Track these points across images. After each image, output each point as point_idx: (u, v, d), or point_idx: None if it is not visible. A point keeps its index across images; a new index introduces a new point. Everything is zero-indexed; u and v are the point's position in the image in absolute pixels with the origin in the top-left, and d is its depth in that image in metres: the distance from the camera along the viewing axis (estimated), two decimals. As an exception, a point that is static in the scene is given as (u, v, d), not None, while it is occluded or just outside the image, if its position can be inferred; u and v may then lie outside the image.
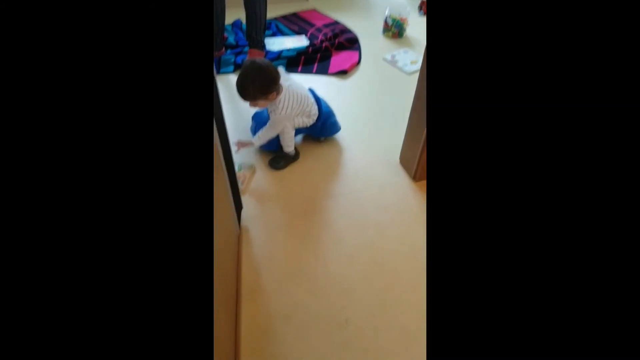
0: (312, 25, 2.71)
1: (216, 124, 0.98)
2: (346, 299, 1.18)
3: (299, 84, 1.59)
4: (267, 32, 2.52)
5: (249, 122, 1.78)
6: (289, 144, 1.58)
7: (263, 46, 2.26)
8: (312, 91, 1.66)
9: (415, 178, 1.56)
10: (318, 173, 1.61)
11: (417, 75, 2.19)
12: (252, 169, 1.61)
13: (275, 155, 1.64)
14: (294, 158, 1.65)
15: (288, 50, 2.36)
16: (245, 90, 1.39)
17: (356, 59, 2.33)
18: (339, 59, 2.33)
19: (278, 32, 2.63)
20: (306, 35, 2.59)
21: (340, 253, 1.31)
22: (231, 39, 2.43)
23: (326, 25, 2.68)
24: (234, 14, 2.70)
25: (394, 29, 2.57)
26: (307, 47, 2.39)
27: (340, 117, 1.74)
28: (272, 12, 2.81)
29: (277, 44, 2.47)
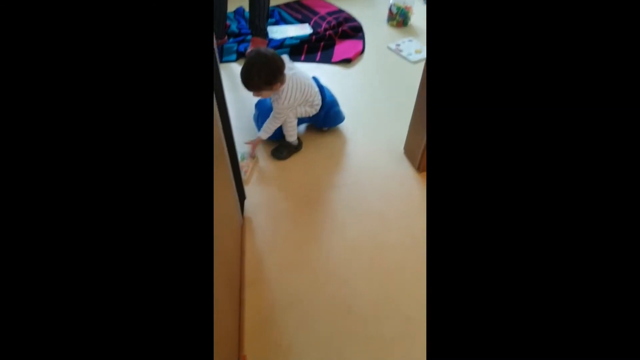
0: (315, 13, 2.67)
1: (219, 113, 0.97)
2: (349, 288, 1.18)
3: (303, 72, 1.57)
4: (270, 20, 2.48)
5: (252, 111, 1.77)
6: (292, 133, 1.57)
7: (266, 34, 2.23)
8: (316, 80, 1.64)
9: (419, 169, 1.55)
10: (321, 163, 1.61)
11: (421, 65, 2.17)
12: (255, 159, 1.61)
13: (278, 145, 1.63)
14: (296, 148, 1.64)
15: (291, 38, 2.33)
16: (251, 81, 1.38)
17: (360, 47, 2.30)
18: (342, 48, 2.30)
19: (281, 20, 2.59)
20: (309, 23, 2.55)
21: (343, 243, 1.31)
22: (233, 27, 2.40)
23: (330, 14, 2.64)
24: (237, 1, 2.67)
25: (399, 18, 2.53)
26: (311, 35, 2.36)
27: (343, 106, 1.72)
28: (275, 0, 2.78)
29: (280, 32, 2.44)
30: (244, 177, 1.51)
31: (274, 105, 1.49)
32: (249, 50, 2.19)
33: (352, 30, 2.43)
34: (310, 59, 2.22)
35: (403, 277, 1.22)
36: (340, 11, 2.68)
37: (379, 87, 2.03)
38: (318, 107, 1.60)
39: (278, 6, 2.75)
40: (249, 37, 2.25)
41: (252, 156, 1.60)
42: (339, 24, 2.47)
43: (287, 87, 1.45)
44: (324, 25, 2.49)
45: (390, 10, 2.54)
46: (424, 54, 2.23)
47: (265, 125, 1.53)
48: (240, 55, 2.20)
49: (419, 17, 2.61)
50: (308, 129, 1.76)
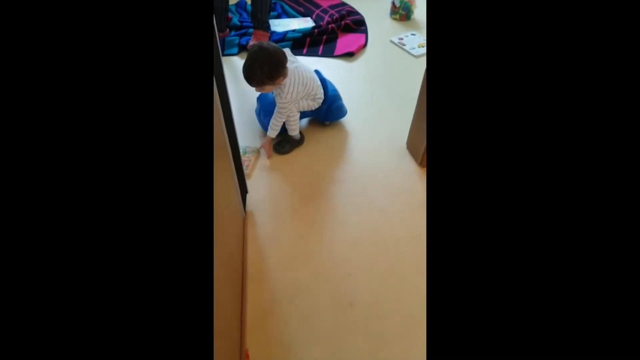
0: (318, 6, 2.64)
1: (221, 106, 0.97)
2: (351, 282, 1.19)
3: (305, 65, 1.56)
4: (272, 13, 2.46)
5: (253, 104, 1.76)
6: (294, 127, 1.57)
7: (268, 27, 2.22)
8: (318, 73, 1.63)
9: (421, 164, 1.55)
10: (323, 157, 1.60)
11: (424, 59, 2.15)
12: (256, 153, 1.60)
13: (281, 139, 1.62)
14: (299, 142, 1.63)
15: (293, 31, 2.31)
16: (254, 76, 1.37)
17: (363, 41, 2.28)
18: (345, 41, 2.28)
19: (283, 14, 2.57)
20: (312, 16, 2.53)
21: (345, 237, 1.31)
22: (235, 20, 2.38)
23: (332, 7, 2.62)
24: (238, -7, 2.64)
25: (402, 11, 2.51)
26: (313, 28, 2.34)
27: (346, 100, 1.71)
28: (277, -8, 2.75)
29: (282, 25, 2.42)
30: (246, 171, 1.51)
31: (277, 100, 1.48)
32: (250, 43, 2.17)
33: (355, 24, 2.41)
34: (312, 52, 2.21)
35: (405, 272, 1.22)
36: (343, 4, 2.66)
37: (382, 81, 2.02)
38: (320, 101, 1.60)
39: (280, -1, 2.73)
40: (251, 30, 2.24)
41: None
42: (342, 17, 2.45)
43: (290, 81, 1.44)
44: (327, 18, 2.47)
45: (393, 3, 2.51)
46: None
47: (271, 122, 1.53)
48: (242, 48, 2.19)
49: (422, 10, 2.59)
50: (310, 123, 1.75)
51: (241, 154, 1.50)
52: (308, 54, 2.20)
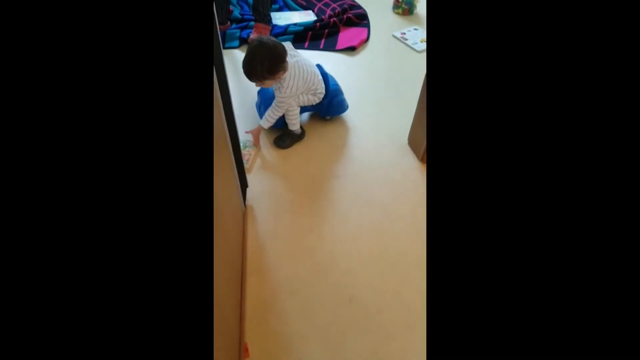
0: (320, -1, 2.62)
1: (222, 100, 0.96)
2: (350, 277, 1.19)
3: (306, 59, 1.55)
4: (273, 6, 2.44)
5: (254, 98, 1.75)
6: (294, 122, 1.56)
7: (269, 20, 2.20)
8: (320, 67, 1.62)
9: (422, 160, 1.54)
10: (324, 152, 1.59)
11: (427, 54, 2.13)
12: (257, 147, 1.60)
13: (281, 133, 1.61)
14: (299, 137, 1.62)
15: (295, 25, 2.29)
16: (254, 71, 1.36)
17: (365, 35, 2.27)
18: (347, 35, 2.26)
19: (285, 7, 2.55)
20: (314, 10, 2.51)
21: (345, 232, 1.31)
22: (236, 13, 2.36)
23: (334, 0, 2.59)
24: (240, -14, 2.62)
25: (405, 6, 2.48)
26: (315, 22, 2.32)
27: (347, 95, 1.70)
28: (278, -15, 2.72)
29: (283, 18, 2.39)
30: (246, 165, 1.50)
31: (276, 94, 1.47)
32: (251, 36, 2.15)
33: (357, 18, 2.39)
34: (314, 46, 2.19)
35: (405, 267, 1.21)
36: (345, -2, 2.63)
37: (384, 76, 2.00)
38: (321, 96, 1.58)
39: (282, -8, 2.70)
40: (252, 23, 2.22)
41: (256, 145, 1.59)
42: (344, 10, 2.43)
43: (289, 76, 1.43)
44: (329, 12, 2.45)
45: (396, -3, 2.49)
46: (429, 43, 2.20)
47: (267, 113, 1.52)
48: (243, 41, 2.17)
49: (425, 5, 2.56)
50: (311, 117, 1.74)
51: (241, 147, 1.49)
52: (309, 48, 2.18)
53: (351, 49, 2.17)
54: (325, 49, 2.18)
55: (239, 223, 1.24)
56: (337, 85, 1.66)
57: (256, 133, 1.57)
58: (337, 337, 1.05)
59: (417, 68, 2.03)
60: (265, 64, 1.33)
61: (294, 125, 1.57)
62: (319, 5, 2.55)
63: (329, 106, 1.63)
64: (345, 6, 2.47)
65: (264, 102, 1.60)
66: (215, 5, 0.86)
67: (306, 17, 2.42)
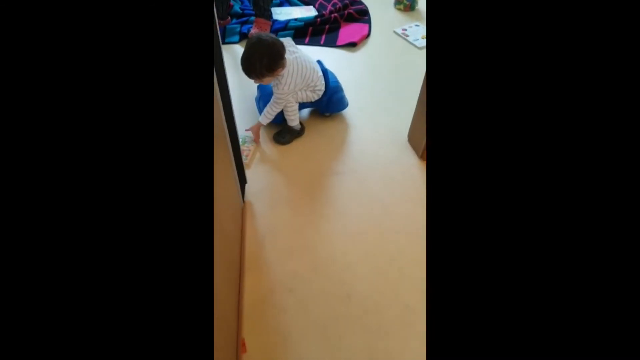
0: (321, -6, 2.60)
1: (221, 95, 0.95)
2: (348, 274, 1.19)
3: (306, 55, 1.54)
4: (274, 1, 2.42)
5: (254, 93, 1.74)
6: (293, 118, 1.55)
7: (270, 16, 2.18)
8: (320, 64, 1.61)
9: (422, 157, 1.54)
10: (323, 149, 1.59)
11: (428, 51, 2.12)
12: (257, 143, 1.59)
13: (281, 129, 1.61)
14: (299, 133, 1.62)
15: (295, 20, 2.28)
16: (252, 68, 1.35)
17: (366, 31, 2.25)
18: (348, 31, 2.25)
19: (285, 2, 2.53)
20: (315, 5, 2.49)
21: (344, 229, 1.31)
22: (237, 8, 2.35)
23: (336, -5, 2.58)
24: (240, -20, 2.60)
25: (406, 2, 2.47)
26: (315, 17, 2.30)
27: (347, 91, 1.70)
28: (279, -20, 2.70)
29: (284, 13, 2.38)
30: (245, 161, 1.50)
31: (275, 90, 1.47)
32: (252, 31, 2.14)
33: (358, 14, 2.37)
34: (314, 42, 2.18)
35: (403, 264, 1.22)
36: (347, -7, 2.61)
37: (384, 73, 1.99)
38: (321, 93, 1.58)
39: (283, -13, 2.68)
40: (253, 18, 2.21)
41: (257, 142, 1.58)
42: (345, 6, 2.41)
43: (288, 72, 1.42)
44: (330, 7, 2.43)
45: (397, -7, 2.47)
46: (431, 40, 2.18)
47: (265, 110, 1.51)
48: (243, 36, 2.16)
49: (426, 1, 2.55)
50: (311, 114, 1.73)
51: (240, 143, 1.49)
52: (310, 44, 2.17)
53: (352, 45, 2.15)
54: (325, 44, 2.17)
55: (238, 219, 1.24)
56: (337, 82, 1.65)
57: (256, 130, 1.57)
58: (334, 333, 1.06)
59: (417, 65, 2.02)
60: (264, 62, 1.33)
61: (293, 121, 1.57)
62: (320, 0, 2.53)
63: (329, 103, 1.62)
64: (347, 2, 2.46)
65: (264, 97, 1.60)
66: (216, 0, 0.85)
67: (307, 12, 2.40)
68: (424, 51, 2.14)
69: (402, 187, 1.45)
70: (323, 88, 1.57)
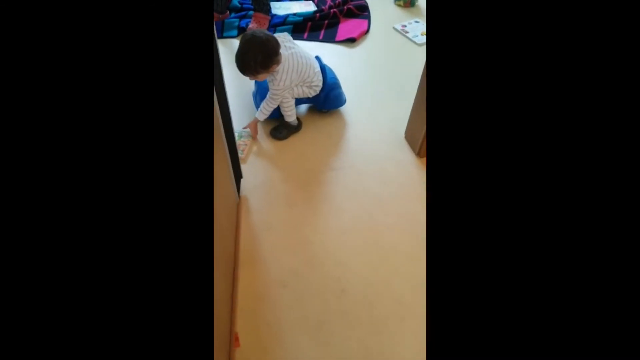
0: (320, -11, 2.58)
1: (215, 90, 0.95)
2: (343, 270, 1.19)
3: (303, 51, 1.52)
4: (273, -5, 2.41)
5: (251, 87, 1.73)
6: (289, 113, 1.55)
7: (269, 10, 2.17)
8: (318, 60, 1.60)
9: (419, 154, 1.54)
10: (320, 145, 1.59)
11: (427, 47, 2.11)
12: (254, 139, 1.59)
13: (278, 124, 1.60)
14: (296, 128, 1.62)
15: (294, 15, 2.26)
16: (247, 66, 1.34)
17: (365, 27, 2.24)
18: (347, 27, 2.24)
19: (285, -4, 2.52)
20: (314, 0, 2.48)
21: (339, 225, 1.31)
22: (235, 2, 2.33)
23: (335, -10, 2.56)
24: (240, -26, 2.58)
25: (406, -3, 2.45)
26: (315, 12, 2.29)
27: (345, 87, 1.69)
28: (279, -26, 2.68)
29: (283, 8, 2.37)
30: (241, 155, 1.50)
31: (270, 86, 1.46)
32: (250, 26, 2.13)
33: (358, 9, 2.36)
34: (313, 37, 2.17)
35: (397, 260, 1.22)
36: (346, -12, 2.60)
37: (383, 69, 1.99)
38: (318, 89, 1.57)
39: (282, -19, 2.66)
40: (251, 12, 2.19)
41: (254, 138, 1.58)
42: (344, 1, 2.40)
43: (283, 68, 1.41)
44: (329, 2, 2.42)
45: (397, -11, 2.46)
46: (430, 36, 2.17)
47: (262, 106, 1.51)
48: (241, 31, 2.15)
49: (427, -3, 2.54)
50: (309, 110, 1.73)
51: (237, 138, 1.49)
52: (309, 39, 2.16)
53: (351, 41, 2.14)
54: (324, 40, 2.16)
55: (233, 213, 1.24)
56: (335, 78, 1.64)
57: (253, 126, 1.56)
58: (327, 328, 1.06)
59: (416, 61, 2.01)
60: (258, 59, 1.32)
61: (290, 117, 1.56)
62: (320, -5, 2.52)
63: (326, 99, 1.62)
64: (346, -3, 2.44)
65: (260, 91, 1.59)
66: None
67: (306, 7, 2.39)
68: (424, 48, 2.13)
69: (399, 183, 1.45)
70: (320, 84, 1.56)
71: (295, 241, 1.26)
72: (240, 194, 1.39)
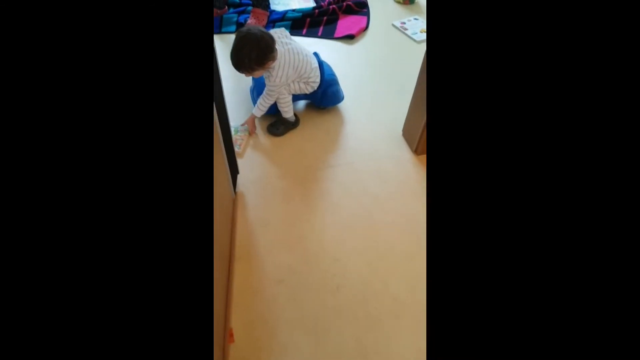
0: (320, -15, 2.57)
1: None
2: (339, 266, 1.19)
3: (300, 47, 1.51)
4: (272, -10, 2.40)
5: (248, 83, 1.73)
6: (286, 109, 1.54)
7: (267, 6, 2.16)
8: (317, 56, 1.59)
9: (416, 152, 1.53)
10: (318, 141, 1.58)
11: (426, 45, 2.10)
12: (252, 135, 1.58)
13: (275, 120, 1.60)
14: (293, 124, 1.61)
15: (293, 11, 2.25)
16: (242, 63, 1.33)
17: (364, 24, 2.23)
18: (346, 23, 2.23)
19: (284, -8, 2.50)
20: (313, -4, 2.47)
21: (336, 222, 1.31)
22: (234, -3, 2.32)
23: (335, -13, 2.55)
24: (239, -31, 2.56)
25: (406, -6, 2.45)
26: (314, 8, 2.28)
27: (344, 84, 1.68)
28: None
29: (282, 4, 2.35)
30: (238, 150, 1.49)
31: (267, 82, 1.45)
32: (248, 21, 2.12)
33: (357, 6, 2.35)
34: (312, 33, 2.16)
35: (393, 257, 1.22)
36: (346, -15, 2.58)
37: (381, 66, 1.98)
38: (315, 85, 1.56)
39: (281, -23, 2.65)
40: (250, 8, 2.18)
41: (252, 134, 1.57)
42: (344, -2, 2.39)
43: (279, 64, 1.40)
44: (328, -2, 2.41)
45: (397, -14, 2.45)
46: (429, 34, 2.17)
47: (258, 102, 1.50)
48: (240, 26, 2.13)
49: (426, -6, 2.53)
50: (307, 106, 1.72)
51: (233, 133, 1.48)
52: (307, 35, 2.15)
53: (350, 38, 2.14)
54: (323, 36, 2.15)
55: (229, 209, 1.23)
56: (333, 75, 1.63)
57: (251, 122, 1.55)
58: (323, 324, 1.06)
59: (415, 59, 2.00)
60: (252, 55, 1.31)
61: (287, 113, 1.55)
62: (319, -9, 2.50)
63: (323, 96, 1.61)
64: (346, -7, 2.43)
65: (258, 87, 1.58)
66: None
67: (305, 3, 2.38)
68: (423, 45, 2.13)
69: (396, 181, 1.45)
70: (318, 80, 1.55)
71: (291, 237, 1.26)
72: (237, 190, 1.38)
